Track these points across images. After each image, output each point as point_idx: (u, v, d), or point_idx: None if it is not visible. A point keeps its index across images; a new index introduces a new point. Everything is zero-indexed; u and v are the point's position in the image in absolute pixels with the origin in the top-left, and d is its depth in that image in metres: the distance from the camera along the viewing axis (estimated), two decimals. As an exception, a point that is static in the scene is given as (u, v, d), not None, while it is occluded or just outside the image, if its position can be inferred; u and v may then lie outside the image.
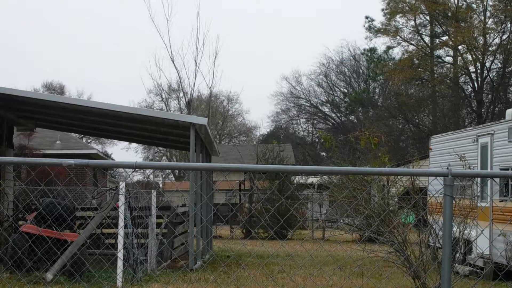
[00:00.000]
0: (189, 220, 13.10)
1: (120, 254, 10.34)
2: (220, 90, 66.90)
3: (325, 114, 54.06)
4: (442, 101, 40.41)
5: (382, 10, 41.50)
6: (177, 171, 54.29)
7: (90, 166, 4.96)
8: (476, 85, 38.17)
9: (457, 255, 10.64)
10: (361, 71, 53.00)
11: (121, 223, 10.77)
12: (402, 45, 42.34)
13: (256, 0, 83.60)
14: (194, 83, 46.62)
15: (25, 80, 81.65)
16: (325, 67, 52.87)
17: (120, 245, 10.51)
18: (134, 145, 54.17)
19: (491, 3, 37.82)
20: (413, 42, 41.74)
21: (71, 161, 4.60)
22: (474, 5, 38.62)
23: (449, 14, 38.74)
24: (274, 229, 19.65)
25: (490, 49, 37.67)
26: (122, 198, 10.71)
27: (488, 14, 37.89)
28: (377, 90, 52.60)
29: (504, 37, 37.41)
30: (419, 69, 40.56)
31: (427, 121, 42.30)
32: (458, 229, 9.37)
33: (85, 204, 17.73)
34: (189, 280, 11.17)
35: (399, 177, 11.39)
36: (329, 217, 24.96)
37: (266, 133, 56.80)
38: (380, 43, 64.48)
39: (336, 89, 53.69)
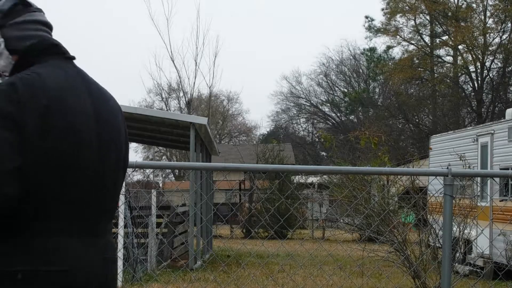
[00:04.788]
0: (189, 220, 13.11)
1: (120, 254, 10.34)
2: (220, 89, 66.90)
3: (325, 113, 54.04)
4: (442, 100, 40.40)
5: (382, 9, 41.51)
6: (177, 171, 54.28)
7: (90, 165, 4.96)
8: (476, 85, 38.17)
9: (457, 254, 10.64)
10: (361, 70, 52.98)
11: (121, 222, 10.77)
12: (402, 45, 42.36)
13: (256, 0, 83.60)
14: (194, 83, 46.59)
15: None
16: (325, 67, 52.86)
17: (120, 245, 10.51)
18: (134, 144, 54.08)
19: (491, 3, 37.82)
20: (413, 42, 41.74)
21: (71, 160, 4.60)
22: (474, 5, 38.62)
23: (449, 14, 38.73)
24: (274, 229, 19.60)
25: (490, 48, 37.67)
26: (122, 198, 10.71)
27: (488, 13, 37.89)
28: (377, 89, 52.57)
29: (504, 37, 37.43)
30: (419, 69, 40.55)
31: (427, 121, 42.30)
32: (458, 229, 9.37)
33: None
34: (189, 279, 11.18)
35: (399, 176, 11.39)
36: (329, 217, 24.95)
37: (266, 132, 56.79)
38: (380, 42, 64.42)
39: (336, 88, 53.69)
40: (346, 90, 53.12)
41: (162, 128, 14.57)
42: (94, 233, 2.21)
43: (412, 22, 41.21)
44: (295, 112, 55.86)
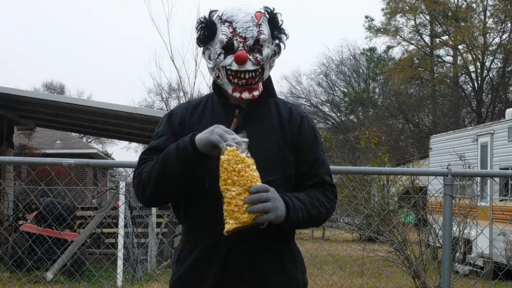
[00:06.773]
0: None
1: (120, 254, 10.34)
2: (220, 89, 66.58)
3: (325, 113, 54.00)
4: (442, 100, 40.37)
5: (382, 9, 41.48)
6: (177, 171, 54.02)
7: (90, 165, 4.96)
8: (476, 85, 38.15)
9: (457, 254, 10.65)
10: (361, 70, 52.94)
11: (121, 222, 10.78)
12: (402, 45, 42.32)
13: (255, 1, 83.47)
14: (194, 83, 46.39)
15: (25, 80, 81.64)
16: (325, 67, 52.80)
17: (120, 245, 10.51)
18: (134, 144, 54.11)
19: (491, 3, 37.81)
20: (413, 42, 41.72)
21: (71, 160, 4.61)
22: (474, 5, 38.60)
23: (449, 14, 38.71)
24: (274, 229, 19.54)
25: (490, 48, 37.65)
26: (122, 198, 10.71)
27: (488, 13, 37.87)
28: (377, 89, 52.54)
29: (504, 37, 37.40)
30: (419, 69, 40.53)
31: (427, 121, 42.25)
32: (458, 229, 9.38)
33: (85, 204, 17.73)
34: (189, 279, 11.14)
35: (399, 176, 11.39)
36: (329, 217, 24.88)
37: (266, 132, 56.60)
38: (380, 42, 64.29)
39: (336, 88, 53.66)
40: (346, 90, 53.08)
41: (162, 128, 14.52)
42: None
43: (412, 22, 41.20)
44: (295, 112, 55.79)
